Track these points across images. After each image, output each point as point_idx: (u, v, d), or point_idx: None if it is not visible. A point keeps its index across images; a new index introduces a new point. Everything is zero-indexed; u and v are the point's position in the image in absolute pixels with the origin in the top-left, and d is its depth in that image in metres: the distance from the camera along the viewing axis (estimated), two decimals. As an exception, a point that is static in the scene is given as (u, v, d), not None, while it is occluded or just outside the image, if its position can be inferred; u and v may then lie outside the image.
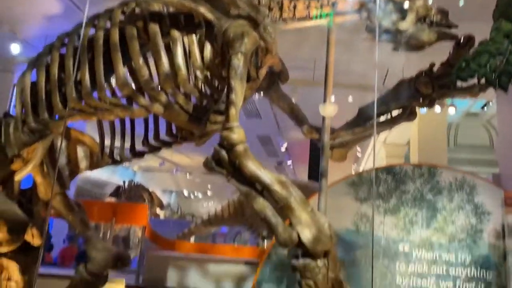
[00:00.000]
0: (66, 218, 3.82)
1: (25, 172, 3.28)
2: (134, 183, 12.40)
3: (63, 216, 3.82)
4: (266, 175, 2.63)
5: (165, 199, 16.49)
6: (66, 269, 5.51)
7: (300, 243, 2.66)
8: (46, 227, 3.11)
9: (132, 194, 11.84)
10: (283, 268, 4.50)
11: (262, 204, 2.66)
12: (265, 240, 6.03)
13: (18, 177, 3.26)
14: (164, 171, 16.87)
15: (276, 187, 2.60)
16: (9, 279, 2.86)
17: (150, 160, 15.02)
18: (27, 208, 3.18)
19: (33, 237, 2.93)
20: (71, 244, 7.86)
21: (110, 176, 15.45)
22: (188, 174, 17.34)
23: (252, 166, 2.63)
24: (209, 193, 19.79)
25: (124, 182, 12.11)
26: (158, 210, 12.66)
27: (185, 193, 19.99)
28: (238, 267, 4.61)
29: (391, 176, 4.68)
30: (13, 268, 2.87)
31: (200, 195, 20.29)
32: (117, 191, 12.09)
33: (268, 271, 4.50)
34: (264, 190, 2.66)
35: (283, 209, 2.62)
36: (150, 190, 12.58)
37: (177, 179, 18.16)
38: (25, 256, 2.96)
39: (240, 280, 4.54)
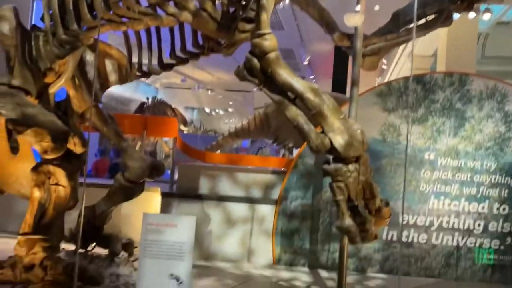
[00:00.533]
0: (101, 130, 3.97)
1: (58, 85, 3.35)
2: (158, 99, 12.54)
3: (98, 128, 3.96)
4: (299, 83, 2.63)
5: (187, 116, 16.73)
6: (101, 179, 5.82)
7: (332, 149, 2.72)
8: (87, 137, 3.25)
9: (156, 110, 12.02)
10: (309, 176, 4.67)
11: (294, 112, 2.70)
12: (291, 151, 6.19)
13: (52, 90, 3.34)
14: (186, 88, 16.90)
15: (309, 95, 2.61)
16: (57, 184, 3.07)
17: (172, 77, 15.02)
18: (63, 120, 3.30)
19: (75, 146, 3.09)
20: (103, 157, 8.22)
21: (133, 93, 15.61)
22: (209, 91, 17.36)
23: (285, 74, 2.63)
24: (230, 109, 19.93)
25: (147, 99, 12.24)
26: (181, 127, 12.90)
27: (207, 110, 20.17)
28: (266, 175, 4.80)
29: (420, 85, 4.60)
30: (60, 174, 3.06)
31: (221, 112, 20.47)
32: (141, 108, 12.28)
33: (295, 179, 4.68)
34: (297, 98, 2.68)
35: (316, 116, 2.65)
36: (173, 107, 12.74)
37: (198, 96, 18.24)
38: (69, 164, 3.14)
39: (268, 187, 4.75)
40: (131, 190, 4.19)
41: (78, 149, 3.07)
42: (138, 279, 3.09)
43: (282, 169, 4.81)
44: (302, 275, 4.29)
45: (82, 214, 2.87)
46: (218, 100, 18.61)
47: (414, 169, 4.60)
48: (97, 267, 3.67)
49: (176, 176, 5.20)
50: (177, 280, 3.04)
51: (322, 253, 4.60)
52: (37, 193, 3.07)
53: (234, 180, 4.86)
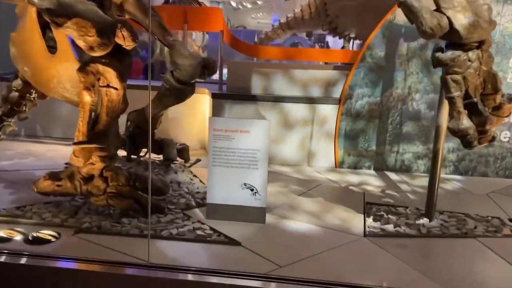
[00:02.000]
0: (142, 23, 3.42)
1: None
2: (182, -8, 11.55)
3: (139, 21, 3.41)
4: None
5: (213, 12, 15.61)
6: (135, 80, 5.37)
7: (451, 31, 2.16)
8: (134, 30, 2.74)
9: (182, 2, 11.12)
10: (378, 71, 4.12)
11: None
12: (352, 42, 5.54)
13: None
14: (210, -20, 15.56)
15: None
16: (108, 85, 2.66)
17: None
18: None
19: (124, 40, 2.60)
20: (135, 59, 7.75)
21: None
22: (235, -18, 15.97)
23: None
24: (259, 2, 18.56)
25: (171, -8, 11.28)
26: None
27: (233, 3, 18.84)
28: (328, 71, 4.27)
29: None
30: (111, 74, 2.63)
31: (248, 5, 19.11)
32: (166, 2, 11.39)
33: (362, 75, 4.14)
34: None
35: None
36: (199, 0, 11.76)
37: (224, -12, 16.89)
38: (119, 62, 2.69)
39: (330, 85, 4.26)
40: (182, 92, 3.75)
41: (128, 43, 2.57)
42: (208, 188, 2.80)
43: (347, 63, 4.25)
44: (370, 178, 3.97)
45: (150, 120, 2.49)
46: (244, -7, 17.23)
47: (501, 58, 3.97)
48: (157, 175, 3.41)
49: (225, 76, 4.73)
50: (251, 190, 2.73)
51: (390, 155, 4.22)
52: (87, 97, 2.68)
53: (291, 77, 4.36)
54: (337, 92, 4.29)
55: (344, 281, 2.06)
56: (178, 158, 4.02)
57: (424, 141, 4.16)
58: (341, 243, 2.51)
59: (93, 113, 2.76)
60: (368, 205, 3.16)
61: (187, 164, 4.10)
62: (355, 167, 4.27)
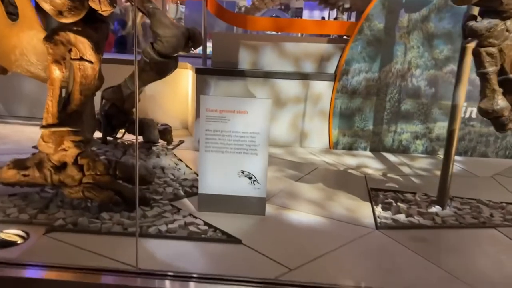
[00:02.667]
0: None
1: None
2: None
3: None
4: None
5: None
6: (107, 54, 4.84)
7: (490, -4, 1.86)
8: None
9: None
10: (377, 44, 3.82)
11: None
12: (348, 15, 5.19)
13: None
14: None
15: None
16: (81, 58, 2.26)
17: None
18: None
19: (100, 4, 2.19)
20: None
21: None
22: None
23: None
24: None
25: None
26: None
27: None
28: (322, 45, 3.93)
29: None
30: (85, 45, 2.23)
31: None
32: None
33: (359, 49, 3.83)
34: None
35: None
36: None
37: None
38: (94, 31, 2.28)
39: (324, 60, 3.94)
40: (164, 66, 3.38)
41: (104, 8, 2.16)
42: (200, 177, 2.46)
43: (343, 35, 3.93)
44: (368, 160, 3.72)
45: (137, 98, 2.11)
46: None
47: None
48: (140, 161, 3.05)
49: (209, 50, 4.33)
50: (250, 178, 2.41)
51: (387, 135, 3.97)
52: (56, 72, 2.27)
53: (282, 51, 4.01)
54: (332, 68, 3.98)
55: (369, 286, 1.80)
56: (160, 140, 3.66)
57: (423, 120, 3.92)
58: (353, 237, 2.24)
59: (64, 91, 2.36)
60: (373, 191, 2.91)
61: (170, 147, 3.74)
62: (350, 148, 4.01)
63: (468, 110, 3.88)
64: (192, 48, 3.48)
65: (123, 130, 3.70)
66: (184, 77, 4.37)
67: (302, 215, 2.51)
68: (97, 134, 3.54)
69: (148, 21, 5.60)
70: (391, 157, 3.84)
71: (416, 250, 2.13)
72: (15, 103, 4.61)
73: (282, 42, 4.03)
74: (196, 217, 2.34)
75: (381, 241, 2.23)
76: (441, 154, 3.89)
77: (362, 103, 3.93)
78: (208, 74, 3.99)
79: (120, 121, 3.63)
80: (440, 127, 3.90)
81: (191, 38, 3.31)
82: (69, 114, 2.35)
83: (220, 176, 2.42)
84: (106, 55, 3.82)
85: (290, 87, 3.96)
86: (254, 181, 2.41)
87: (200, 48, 4.14)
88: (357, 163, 3.61)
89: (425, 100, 3.89)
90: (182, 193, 2.68)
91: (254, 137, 2.37)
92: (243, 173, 2.41)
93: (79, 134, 2.38)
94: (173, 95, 4.45)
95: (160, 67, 3.36)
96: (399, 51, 3.83)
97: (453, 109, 2.51)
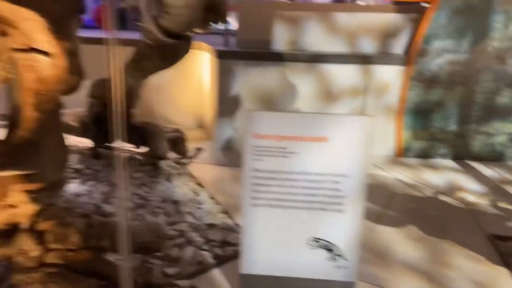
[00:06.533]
0: None
1: None
2: None
3: None
4: None
5: None
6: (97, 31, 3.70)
7: None
8: None
9: None
10: (468, 14, 2.74)
11: None
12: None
13: None
14: None
15: None
16: (31, 48, 1.25)
17: None
18: None
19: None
20: (104, 1, 6.09)
21: None
22: None
23: None
24: None
25: None
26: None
27: None
28: (388, 16, 2.87)
29: None
30: (32, 24, 1.21)
31: None
32: None
33: (443, 19, 2.76)
34: None
35: None
36: None
37: None
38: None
39: (390, 36, 2.89)
40: (173, 50, 2.37)
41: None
42: (244, 247, 1.47)
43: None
44: (455, 174, 2.70)
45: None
46: None
47: None
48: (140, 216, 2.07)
49: (233, 25, 3.28)
50: (328, 250, 1.42)
51: (476, 138, 2.94)
52: (-15, 76, 1.27)
53: (332, 25, 2.95)
54: (402, 47, 2.92)
55: None
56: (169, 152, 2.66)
57: (527, 118, 2.88)
58: None
59: (9, 105, 1.36)
60: (496, 240, 1.91)
61: (184, 160, 2.73)
62: (425, 155, 2.99)
63: None
64: (213, 24, 2.45)
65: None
66: (198, 61, 3.32)
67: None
68: (84, 141, 2.60)
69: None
70: (485, 169, 2.82)
71: None
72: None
73: (333, 12, 2.96)
74: (239, 321, 1.37)
75: None
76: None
77: (443, 95, 2.88)
78: (232, 58, 2.94)
79: (116, 127, 2.63)
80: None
81: (211, 8, 2.27)
82: (18, 147, 1.35)
83: (278, 246, 1.43)
84: (95, 34, 2.79)
85: (344, 74, 2.91)
86: (336, 255, 1.41)
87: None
88: (445, 182, 2.59)
89: (531, 90, 2.84)
90: (211, 259, 1.69)
91: (339, 182, 1.36)
92: (317, 241, 1.41)
93: (37, 178, 1.39)
94: (185, 84, 3.42)
95: (167, 50, 2.35)
96: (498, 23, 2.75)
97: None
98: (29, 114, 1.35)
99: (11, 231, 1.39)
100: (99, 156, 2.65)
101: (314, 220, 1.39)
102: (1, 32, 1.22)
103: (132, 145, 2.69)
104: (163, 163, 2.61)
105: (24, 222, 1.39)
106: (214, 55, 2.98)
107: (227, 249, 1.75)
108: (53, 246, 1.38)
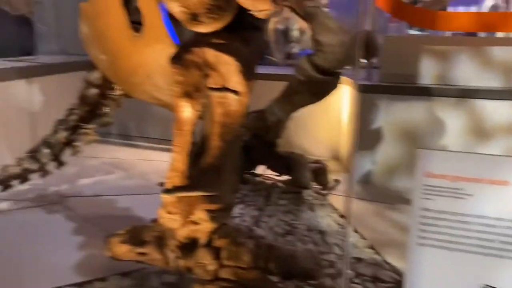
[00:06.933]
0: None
1: None
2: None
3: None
4: None
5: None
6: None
7: None
8: None
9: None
10: None
11: None
12: None
13: None
14: None
15: None
16: (224, 88, 1.43)
17: None
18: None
19: (253, 1, 1.35)
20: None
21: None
22: None
23: None
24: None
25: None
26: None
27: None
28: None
29: None
30: (229, 67, 1.38)
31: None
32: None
33: None
34: None
35: None
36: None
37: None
38: (245, 44, 1.44)
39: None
40: (323, 86, 2.48)
41: (262, 6, 1.32)
42: (405, 282, 1.46)
43: None
44: None
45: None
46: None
47: None
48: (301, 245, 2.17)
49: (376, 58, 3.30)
50: (503, 300, 1.34)
51: None
52: (186, 110, 1.49)
53: (485, 59, 2.81)
54: None
55: None
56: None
57: None
58: None
59: (197, 137, 1.58)
60: None
61: (324, 191, 2.80)
62: None
63: None
64: (364, 60, 2.52)
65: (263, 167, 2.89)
66: (337, 94, 3.40)
67: None
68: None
69: (281, 27, 4.72)
70: None
71: None
72: (147, 122, 4.13)
73: (486, 46, 2.82)
74: None
75: None
76: None
77: None
78: (375, 92, 2.96)
79: (262, 155, 2.82)
80: None
81: (363, 45, 2.34)
82: (204, 171, 1.55)
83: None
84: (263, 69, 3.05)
85: (499, 110, 2.73)
86: (512, 307, 1.33)
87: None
88: None
89: None
90: (363, 292, 1.71)
91: (520, 229, 1.29)
92: (490, 290, 1.35)
93: (217, 200, 1.56)
94: (322, 115, 3.52)
95: (318, 86, 2.46)
96: None
97: None
98: (215, 143, 1.54)
99: (191, 245, 1.58)
100: (246, 181, 2.85)
101: (488, 266, 1.33)
102: (203, 75, 1.43)
103: (275, 173, 2.85)
104: (305, 193, 2.70)
105: (203, 238, 1.57)
106: (356, 89, 3.03)
107: (380, 285, 1.75)
108: (226, 262, 1.53)
